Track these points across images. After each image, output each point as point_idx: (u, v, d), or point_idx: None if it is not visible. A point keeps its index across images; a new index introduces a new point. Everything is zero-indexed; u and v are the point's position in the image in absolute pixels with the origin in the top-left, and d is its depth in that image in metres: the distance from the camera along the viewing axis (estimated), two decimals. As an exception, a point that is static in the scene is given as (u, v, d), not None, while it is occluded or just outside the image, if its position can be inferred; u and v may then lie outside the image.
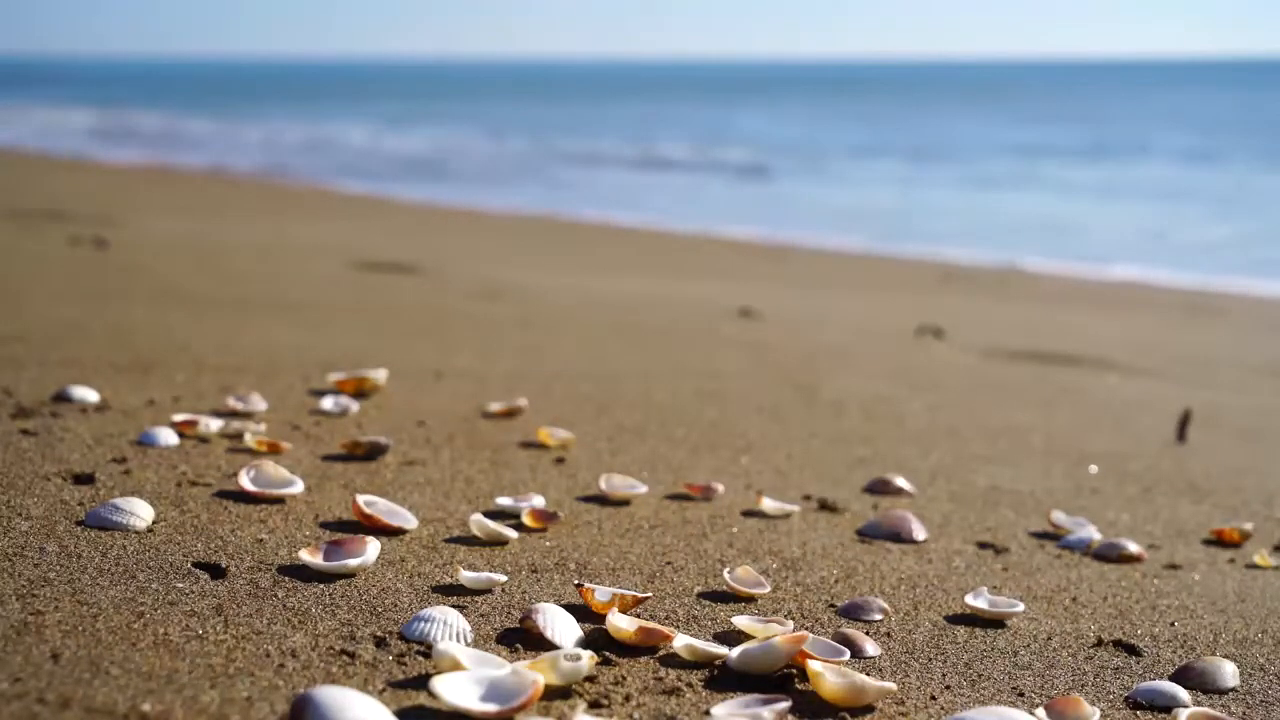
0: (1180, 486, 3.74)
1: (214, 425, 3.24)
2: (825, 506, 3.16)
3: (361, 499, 2.65)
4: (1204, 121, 39.21)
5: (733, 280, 8.89)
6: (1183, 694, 2.14)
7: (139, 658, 1.88)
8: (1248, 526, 3.23)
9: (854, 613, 2.42)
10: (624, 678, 2.00)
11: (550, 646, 2.09)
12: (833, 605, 2.46)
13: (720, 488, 3.16)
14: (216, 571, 2.30)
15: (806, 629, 2.32)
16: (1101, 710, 2.09)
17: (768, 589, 2.48)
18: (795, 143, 30.57)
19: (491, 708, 1.79)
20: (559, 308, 6.51)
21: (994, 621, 2.45)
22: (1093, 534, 3.07)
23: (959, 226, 15.33)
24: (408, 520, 2.67)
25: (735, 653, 2.07)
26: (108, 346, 4.32)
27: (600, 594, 2.26)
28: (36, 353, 4.09)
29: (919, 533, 2.97)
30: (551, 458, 3.39)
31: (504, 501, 2.87)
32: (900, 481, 3.40)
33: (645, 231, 13.39)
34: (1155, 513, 3.43)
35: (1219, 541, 3.20)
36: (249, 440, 3.14)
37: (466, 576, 2.34)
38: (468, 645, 2.06)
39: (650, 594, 2.39)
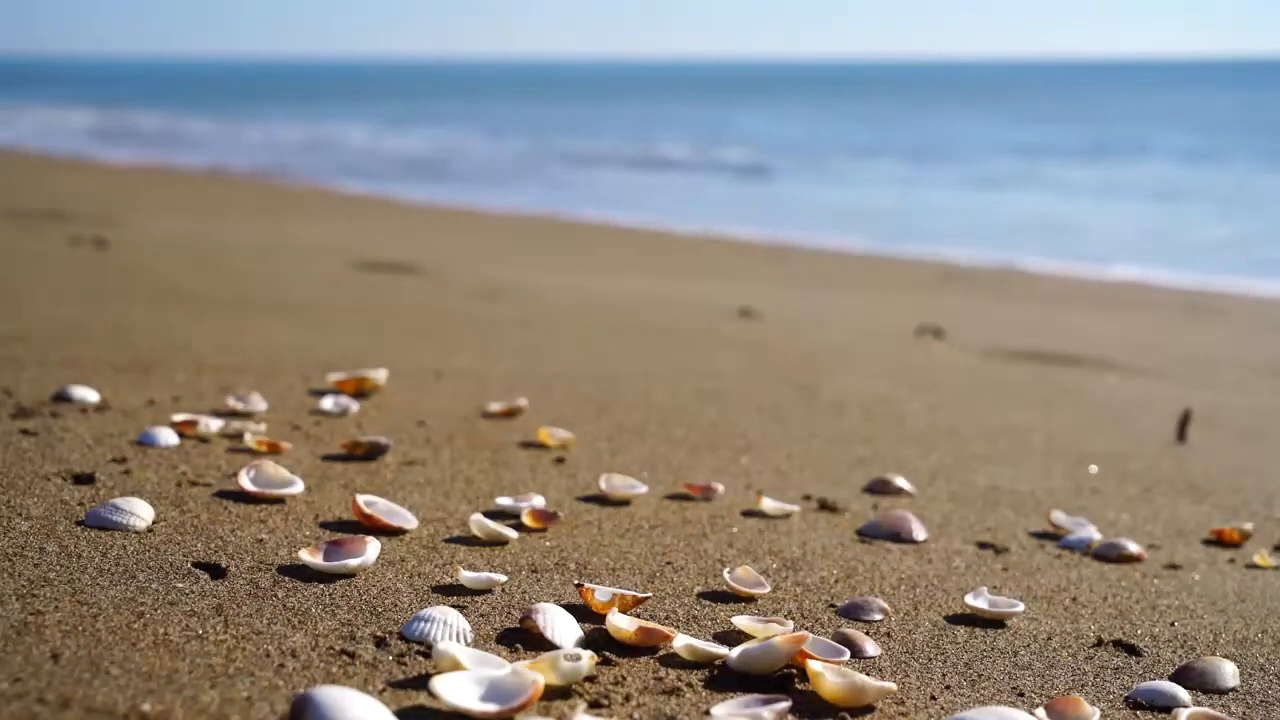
0: (1180, 486, 3.74)
1: (214, 425, 3.24)
2: (825, 506, 3.16)
3: (361, 499, 2.65)
4: (1204, 121, 39.21)
5: (733, 280, 8.89)
6: (1183, 694, 2.14)
7: (139, 658, 1.88)
8: (1248, 526, 3.23)
9: (854, 613, 2.42)
10: (624, 678, 2.00)
11: (550, 646, 2.09)
12: (833, 605, 2.46)
13: (720, 488, 3.16)
14: (216, 571, 2.30)
15: (806, 629, 2.32)
16: (1101, 710, 2.09)
17: (768, 589, 2.48)
18: (795, 143, 30.57)
19: (491, 708, 1.79)
20: (559, 308, 6.51)
21: (994, 621, 2.45)
22: (1093, 534, 3.07)
23: (959, 226, 15.33)
24: (408, 520, 2.67)
25: (735, 653, 2.07)
26: (108, 346, 4.32)
27: (600, 594, 2.26)
28: (36, 353, 4.09)
29: (919, 533, 2.97)
30: (551, 458, 3.39)
31: (504, 501, 2.87)
32: (900, 481, 3.40)
33: (645, 231, 13.39)
34: (1155, 513, 3.43)
35: (1219, 541, 3.20)
36: (249, 440, 3.14)
37: (466, 576, 2.34)
38: (468, 645, 2.06)
39: (650, 594, 2.39)
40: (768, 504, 3.05)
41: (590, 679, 1.97)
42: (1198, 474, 3.91)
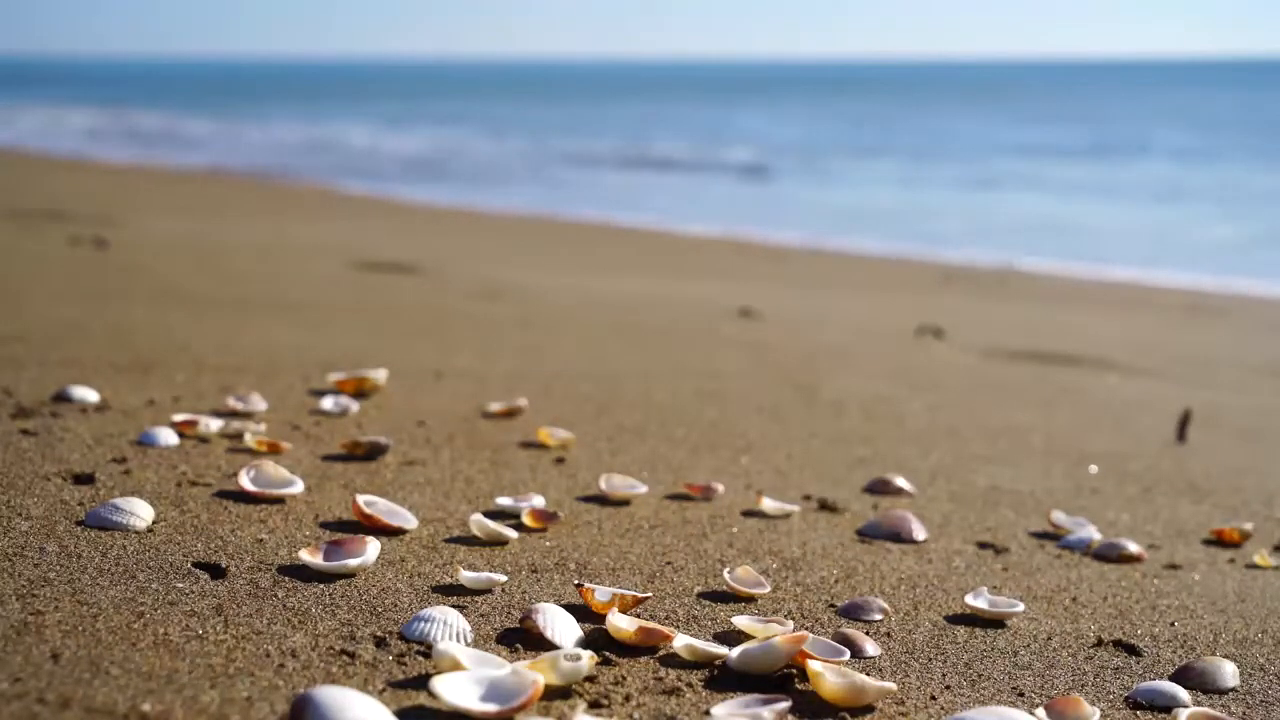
0: (1180, 486, 3.74)
1: (214, 425, 3.24)
2: (825, 506, 3.16)
3: (361, 499, 2.65)
4: (1204, 121, 39.21)
5: (733, 280, 8.89)
6: (1183, 694, 2.14)
7: (139, 658, 1.88)
8: (1248, 526, 3.24)
9: (854, 613, 2.42)
10: (624, 678, 2.00)
11: (550, 646, 2.09)
12: (833, 605, 2.46)
13: (720, 488, 3.16)
14: (216, 571, 2.30)
15: (806, 629, 2.32)
16: (1101, 710, 2.09)
17: (768, 589, 2.48)
18: (795, 143, 30.57)
19: (491, 708, 1.79)
20: (559, 308, 6.51)
21: (994, 621, 2.45)
22: (1093, 534, 3.07)
23: (959, 226, 15.33)
24: (408, 520, 2.67)
25: (735, 653, 2.07)
26: (108, 346, 4.32)
27: (600, 594, 2.26)
28: (36, 353, 4.09)
29: (919, 533, 2.97)
30: (551, 458, 3.39)
31: (504, 501, 2.87)
32: (900, 481, 3.40)
33: (645, 231, 13.38)
34: (1155, 513, 3.43)
35: (1219, 541, 3.20)
36: (249, 440, 3.14)
37: (466, 576, 2.34)
38: (468, 645, 2.06)
39: (650, 594, 2.39)
40: (768, 504, 3.05)
41: (590, 679, 1.97)
42: (1198, 474, 3.91)
